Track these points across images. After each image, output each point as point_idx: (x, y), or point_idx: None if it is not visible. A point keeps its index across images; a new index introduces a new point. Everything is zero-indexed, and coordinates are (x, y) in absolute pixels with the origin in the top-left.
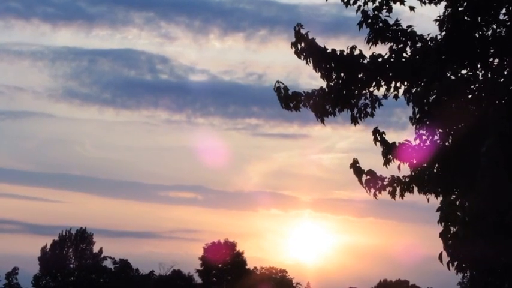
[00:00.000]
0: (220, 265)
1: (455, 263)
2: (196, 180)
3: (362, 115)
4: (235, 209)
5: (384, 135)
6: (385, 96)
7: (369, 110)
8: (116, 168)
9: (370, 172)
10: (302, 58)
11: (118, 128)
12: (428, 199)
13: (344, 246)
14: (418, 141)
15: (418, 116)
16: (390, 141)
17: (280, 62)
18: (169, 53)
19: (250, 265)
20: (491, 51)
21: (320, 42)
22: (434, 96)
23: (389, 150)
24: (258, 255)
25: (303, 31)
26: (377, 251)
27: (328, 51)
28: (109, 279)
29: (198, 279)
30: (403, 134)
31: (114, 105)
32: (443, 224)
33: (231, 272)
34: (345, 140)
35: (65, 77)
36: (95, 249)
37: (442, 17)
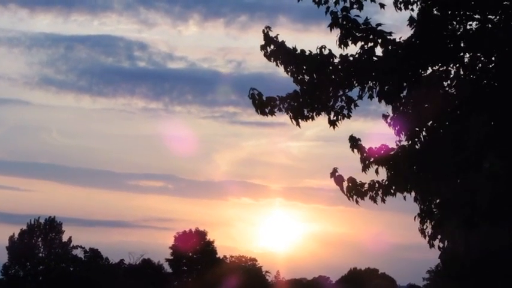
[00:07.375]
0: (190, 254)
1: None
2: (167, 169)
3: (339, 117)
4: (206, 198)
5: (359, 142)
6: (360, 97)
7: (345, 112)
8: (87, 156)
9: (351, 179)
10: (272, 61)
11: (94, 115)
12: (404, 197)
13: (314, 235)
14: (393, 142)
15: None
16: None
17: (260, 49)
18: (148, 40)
19: (220, 254)
20: (462, 46)
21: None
22: (405, 94)
23: (367, 156)
24: (229, 244)
25: (272, 34)
26: (347, 240)
27: (297, 52)
28: (79, 268)
29: (168, 268)
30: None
31: (91, 93)
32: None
33: (201, 260)
34: (313, 129)
35: (41, 64)
36: (64, 238)
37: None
